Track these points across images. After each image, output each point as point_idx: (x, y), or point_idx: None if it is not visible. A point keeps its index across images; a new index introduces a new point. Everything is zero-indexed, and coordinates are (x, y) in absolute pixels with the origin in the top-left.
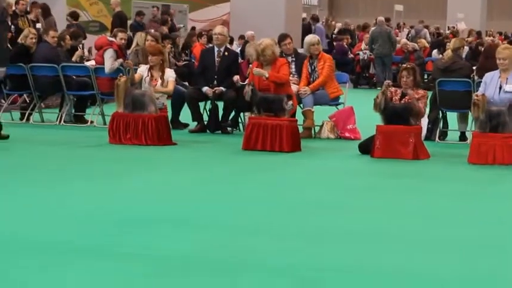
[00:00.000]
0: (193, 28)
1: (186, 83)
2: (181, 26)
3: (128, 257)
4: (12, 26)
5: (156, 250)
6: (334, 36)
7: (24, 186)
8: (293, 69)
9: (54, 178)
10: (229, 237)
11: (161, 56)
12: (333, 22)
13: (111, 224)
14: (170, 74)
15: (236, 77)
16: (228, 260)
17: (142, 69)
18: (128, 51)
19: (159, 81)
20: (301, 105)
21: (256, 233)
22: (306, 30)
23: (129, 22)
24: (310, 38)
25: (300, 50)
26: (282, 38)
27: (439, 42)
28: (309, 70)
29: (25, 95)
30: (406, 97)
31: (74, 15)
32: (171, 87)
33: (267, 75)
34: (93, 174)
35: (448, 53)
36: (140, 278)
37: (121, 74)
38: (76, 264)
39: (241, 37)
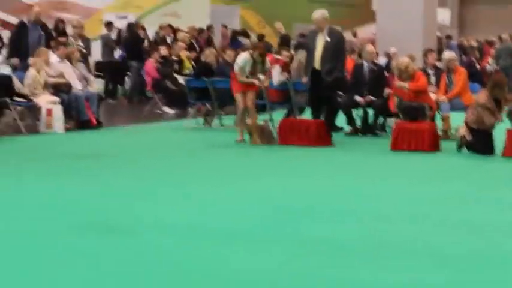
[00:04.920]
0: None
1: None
2: None
3: (287, 240)
4: (198, 47)
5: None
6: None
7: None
8: (433, 81)
9: (235, 174)
10: (384, 226)
11: None
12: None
13: (280, 212)
14: None
15: (386, 91)
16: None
17: None
18: (292, 66)
19: None
20: (440, 111)
21: (402, 220)
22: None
23: (292, 42)
24: (448, 54)
25: (438, 65)
26: (428, 51)
27: None
28: (447, 82)
29: (207, 104)
30: None
31: (245, 34)
32: None
33: (407, 87)
34: (263, 170)
35: None
36: (296, 258)
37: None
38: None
39: (386, 54)
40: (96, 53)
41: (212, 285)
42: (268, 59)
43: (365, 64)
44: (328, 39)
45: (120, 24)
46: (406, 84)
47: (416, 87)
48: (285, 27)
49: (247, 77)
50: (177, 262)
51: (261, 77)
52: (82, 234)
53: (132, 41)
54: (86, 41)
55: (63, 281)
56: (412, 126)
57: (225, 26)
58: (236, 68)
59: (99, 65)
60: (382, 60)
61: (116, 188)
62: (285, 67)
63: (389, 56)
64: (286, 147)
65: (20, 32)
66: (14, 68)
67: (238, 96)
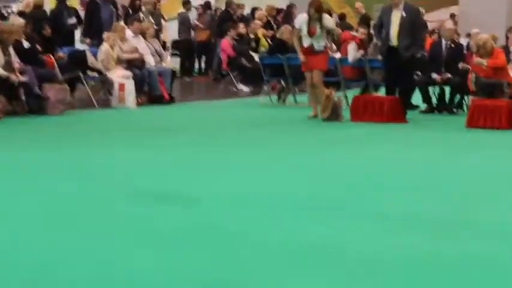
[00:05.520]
0: None
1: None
2: None
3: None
4: (275, 26)
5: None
6: None
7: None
8: None
9: (305, 147)
10: (457, 200)
11: None
12: None
13: (353, 186)
14: None
15: (461, 64)
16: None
17: None
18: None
19: None
20: None
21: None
22: None
23: (372, 22)
24: None
25: None
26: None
27: None
28: None
29: (282, 81)
30: None
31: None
32: None
33: (485, 64)
34: (333, 145)
35: None
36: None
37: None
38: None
39: (468, 35)
40: (174, 32)
41: (275, 256)
42: (328, 17)
43: (443, 42)
44: (404, 15)
45: (196, 3)
46: (484, 61)
47: (494, 64)
48: (365, 8)
49: (311, 45)
50: (239, 233)
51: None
52: (144, 201)
53: (225, 19)
54: (157, 18)
55: (118, 241)
56: (489, 103)
57: (293, 5)
58: (294, 30)
59: (176, 44)
60: (463, 42)
61: (182, 159)
62: (361, 44)
63: (470, 37)
64: (358, 123)
65: (91, 10)
66: (87, 46)
67: (306, 74)
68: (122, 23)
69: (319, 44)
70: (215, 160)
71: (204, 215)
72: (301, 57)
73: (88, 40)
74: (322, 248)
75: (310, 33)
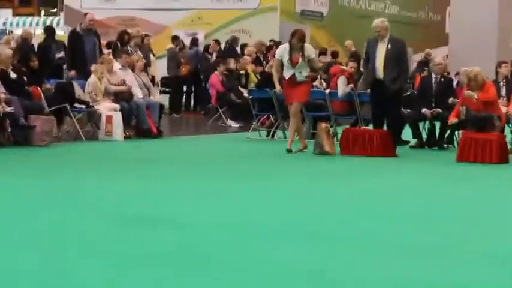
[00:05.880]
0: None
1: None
2: None
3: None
4: (264, 62)
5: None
6: None
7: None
8: (503, 92)
9: (300, 180)
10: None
11: None
12: None
13: (344, 216)
14: None
15: (451, 99)
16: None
17: None
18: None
19: None
20: (509, 125)
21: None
22: None
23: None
24: None
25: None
26: (502, 62)
27: None
28: None
29: (271, 117)
30: None
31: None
32: None
33: (476, 97)
34: (327, 177)
35: None
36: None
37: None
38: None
39: (457, 74)
40: (163, 69)
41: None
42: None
43: (433, 76)
44: (390, 47)
45: (187, 40)
46: (474, 94)
47: (485, 98)
48: (356, 47)
49: (292, 76)
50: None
51: (304, 73)
52: (129, 227)
53: (232, 55)
54: (146, 52)
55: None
56: (479, 137)
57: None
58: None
59: (164, 80)
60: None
61: (170, 189)
62: (351, 78)
63: (459, 75)
64: (348, 157)
65: (74, 42)
66: (71, 79)
67: (288, 107)
68: (110, 56)
69: (301, 74)
70: (203, 190)
71: (193, 243)
72: (278, 88)
73: (73, 72)
74: (311, 274)
75: (292, 63)
